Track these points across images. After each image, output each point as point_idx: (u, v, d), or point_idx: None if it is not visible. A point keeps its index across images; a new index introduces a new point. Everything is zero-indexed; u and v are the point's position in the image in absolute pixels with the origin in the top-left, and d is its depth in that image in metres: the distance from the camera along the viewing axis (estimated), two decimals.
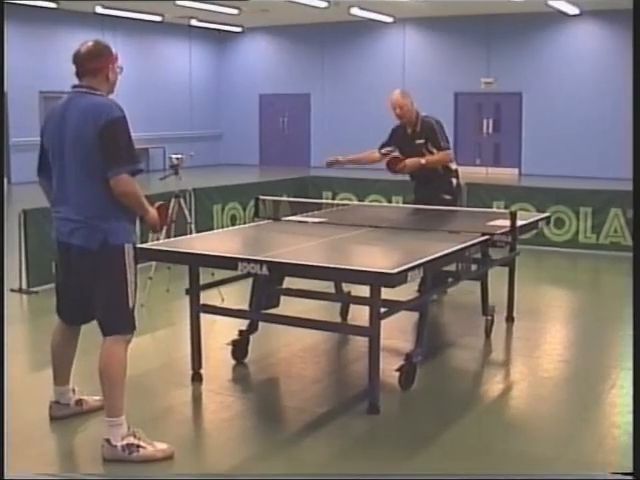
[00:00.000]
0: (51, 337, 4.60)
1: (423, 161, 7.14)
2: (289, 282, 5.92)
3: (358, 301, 6.20)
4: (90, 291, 4.25)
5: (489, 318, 6.44)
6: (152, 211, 4.30)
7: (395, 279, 4.45)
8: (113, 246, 4.14)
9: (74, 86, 4.25)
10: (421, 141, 7.24)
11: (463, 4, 19.53)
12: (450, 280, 6.32)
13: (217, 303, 6.55)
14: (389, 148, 7.42)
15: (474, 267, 6.39)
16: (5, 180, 18.25)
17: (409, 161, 7.14)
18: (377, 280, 4.54)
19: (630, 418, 4.29)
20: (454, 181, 7.49)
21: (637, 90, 4.19)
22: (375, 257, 5.46)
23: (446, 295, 7.46)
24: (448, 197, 7.33)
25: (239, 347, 5.77)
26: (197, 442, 4.64)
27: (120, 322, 4.23)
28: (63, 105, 4.23)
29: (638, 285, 3.94)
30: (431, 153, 7.22)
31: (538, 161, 20.98)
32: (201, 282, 5.39)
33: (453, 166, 7.48)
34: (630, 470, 3.17)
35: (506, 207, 9.56)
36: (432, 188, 7.29)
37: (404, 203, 10.33)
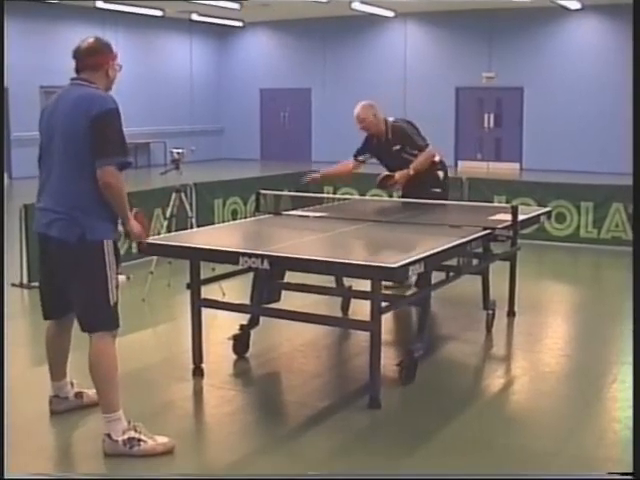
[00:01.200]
0: (45, 333, 4.59)
1: (412, 171, 7.08)
2: (290, 276, 5.91)
3: (359, 295, 6.20)
4: (69, 285, 4.21)
5: (490, 313, 6.44)
6: (132, 220, 4.25)
7: (396, 273, 4.45)
8: (91, 242, 4.10)
9: (72, 78, 4.26)
10: (397, 147, 7.19)
11: None
12: (451, 274, 6.33)
13: (218, 298, 6.55)
14: (365, 156, 7.39)
15: (475, 261, 6.39)
16: (6, 175, 18.25)
17: (398, 175, 7.08)
18: (378, 274, 4.53)
19: (631, 413, 4.29)
20: (440, 174, 7.41)
21: (637, 85, 4.18)
22: (376, 251, 5.45)
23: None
24: (438, 190, 7.26)
25: (240, 341, 5.77)
26: (198, 436, 4.64)
27: (103, 319, 4.20)
28: (57, 96, 4.24)
29: (638, 279, 3.94)
30: (412, 156, 7.18)
31: (539, 156, 20.95)
32: (202, 277, 5.39)
33: (436, 158, 7.38)
34: (630, 466, 3.17)
35: (507, 201, 9.54)
36: (419, 183, 7.18)
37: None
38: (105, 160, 4.01)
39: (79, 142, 4.04)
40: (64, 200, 4.12)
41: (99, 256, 4.12)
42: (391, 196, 10.78)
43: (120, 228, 4.30)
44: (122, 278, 4.42)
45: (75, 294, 4.21)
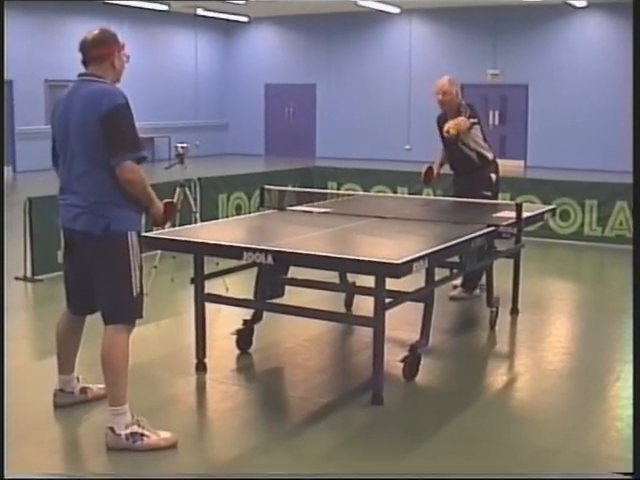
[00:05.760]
0: (56, 326, 4.61)
1: (450, 127, 6.80)
2: (294, 272, 5.91)
3: (363, 291, 6.19)
4: (93, 279, 4.24)
5: (494, 310, 6.43)
6: (158, 203, 4.29)
7: (400, 269, 4.44)
8: (116, 233, 4.13)
9: (80, 74, 4.26)
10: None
11: None
12: (455, 271, 6.32)
13: (222, 292, 6.55)
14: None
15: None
16: (10, 168, 18.26)
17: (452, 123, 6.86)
18: (382, 270, 4.53)
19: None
20: (493, 177, 7.29)
21: (637, 83, 4.17)
22: (380, 247, 5.45)
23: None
24: (488, 193, 7.12)
25: (243, 337, 5.77)
26: (201, 431, 4.65)
27: (122, 311, 4.21)
28: (68, 94, 4.24)
29: (638, 276, 3.93)
30: (473, 144, 7.15)
31: (544, 153, 20.93)
32: (206, 271, 5.39)
33: (490, 156, 7.27)
34: (631, 464, 3.18)
35: (512, 199, 9.53)
36: (471, 183, 7.15)
37: (409, 193, 10.32)
38: (121, 157, 4.03)
39: (93, 139, 4.05)
40: (86, 196, 4.14)
41: (123, 247, 4.15)
42: (395, 192, 10.80)
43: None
44: None
45: (98, 286, 4.23)
